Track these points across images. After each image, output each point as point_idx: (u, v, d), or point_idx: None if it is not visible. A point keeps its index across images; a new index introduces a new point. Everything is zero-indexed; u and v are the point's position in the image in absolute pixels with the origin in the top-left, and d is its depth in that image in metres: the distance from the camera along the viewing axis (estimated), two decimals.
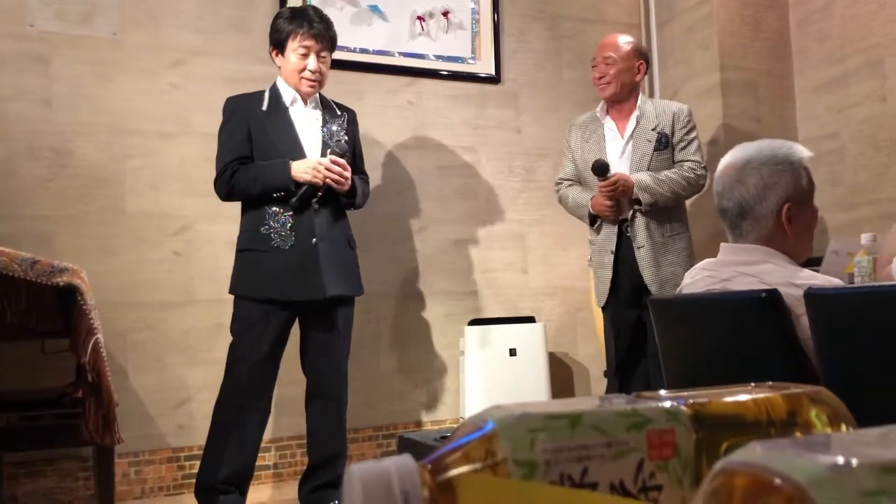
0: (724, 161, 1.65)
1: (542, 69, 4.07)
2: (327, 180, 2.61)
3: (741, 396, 0.42)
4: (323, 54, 2.74)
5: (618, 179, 2.93)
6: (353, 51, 3.67)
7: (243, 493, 2.63)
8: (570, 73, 4.12)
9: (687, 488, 0.38)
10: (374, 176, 3.66)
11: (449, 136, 3.84)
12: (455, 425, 3.54)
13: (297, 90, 2.74)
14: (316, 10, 2.81)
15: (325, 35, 2.73)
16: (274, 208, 2.63)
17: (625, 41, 3.17)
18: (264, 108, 2.70)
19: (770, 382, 0.46)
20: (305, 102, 2.77)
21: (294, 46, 2.69)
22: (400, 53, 3.76)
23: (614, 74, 3.10)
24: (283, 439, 3.37)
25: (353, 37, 3.67)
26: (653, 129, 3.08)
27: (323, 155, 2.68)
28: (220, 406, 2.62)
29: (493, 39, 3.94)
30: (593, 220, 3.12)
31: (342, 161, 2.64)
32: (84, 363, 2.12)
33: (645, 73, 3.19)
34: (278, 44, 2.74)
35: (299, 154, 2.67)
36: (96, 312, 2.25)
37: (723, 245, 1.69)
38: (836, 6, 3.70)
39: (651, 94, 4.26)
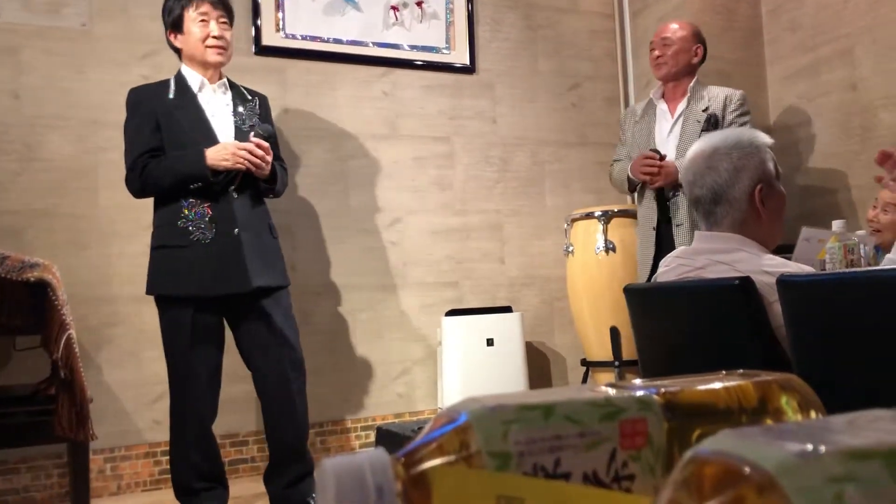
0: (692, 151, 1.69)
1: (517, 59, 4.07)
2: (247, 164, 2.49)
3: (712, 385, 0.43)
4: (223, 20, 2.62)
5: (661, 168, 2.99)
6: (327, 41, 3.64)
7: (224, 485, 2.61)
8: (545, 63, 4.13)
9: (659, 477, 0.39)
10: (349, 167, 3.65)
11: (424, 126, 3.83)
12: (433, 415, 3.55)
13: (205, 61, 2.60)
14: None
15: (221, 4, 2.62)
16: (191, 200, 2.50)
17: (682, 24, 3.25)
18: (171, 95, 2.57)
19: (741, 370, 0.46)
20: (214, 88, 2.65)
21: (192, 17, 2.58)
22: (374, 44, 3.74)
23: (671, 55, 3.17)
24: (261, 432, 3.35)
25: (326, 27, 3.64)
26: (703, 111, 3.11)
27: (238, 139, 2.58)
28: (172, 411, 2.56)
29: (468, 29, 3.93)
30: (633, 186, 3.20)
31: (266, 144, 2.53)
32: (56, 359, 2.09)
33: (703, 58, 3.24)
34: (174, 24, 2.61)
35: (212, 141, 2.54)
36: (68, 308, 2.23)
37: (697, 233, 1.71)
38: None
39: (624, 84, 4.28)
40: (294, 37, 3.58)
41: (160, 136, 2.54)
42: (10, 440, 2.40)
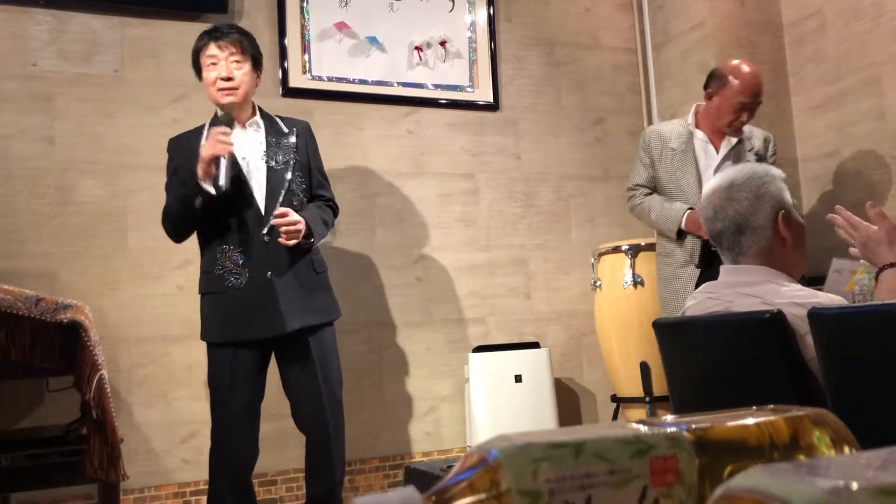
0: (708, 189, 1.70)
1: (540, 95, 4.10)
2: (228, 145, 2.41)
3: (744, 421, 0.42)
4: (235, 59, 2.56)
5: None
6: (353, 82, 3.70)
7: None
8: (568, 99, 4.15)
9: None
10: (375, 204, 3.68)
11: (448, 163, 3.86)
12: (462, 454, 3.51)
13: (218, 104, 2.58)
14: (224, 24, 2.67)
15: (231, 41, 2.57)
16: (224, 247, 2.52)
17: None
18: (204, 140, 2.53)
19: (772, 405, 0.46)
20: (245, 126, 2.61)
21: (204, 63, 2.59)
22: (399, 83, 3.79)
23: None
24: (290, 472, 3.35)
25: (352, 68, 3.70)
26: (749, 151, 3.04)
27: (271, 186, 2.55)
28: (212, 453, 2.57)
29: (491, 67, 3.97)
30: (681, 233, 3.03)
31: (286, 211, 2.49)
32: (88, 400, 2.11)
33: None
34: (197, 71, 2.63)
35: (244, 184, 2.53)
36: (100, 348, 2.25)
37: (722, 267, 1.70)
38: (830, 27, 3.74)
39: (649, 117, 4.29)
40: (320, 78, 3.64)
41: None
42: (42, 481, 2.42)
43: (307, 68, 3.61)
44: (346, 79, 3.69)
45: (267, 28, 3.54)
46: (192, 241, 3.30)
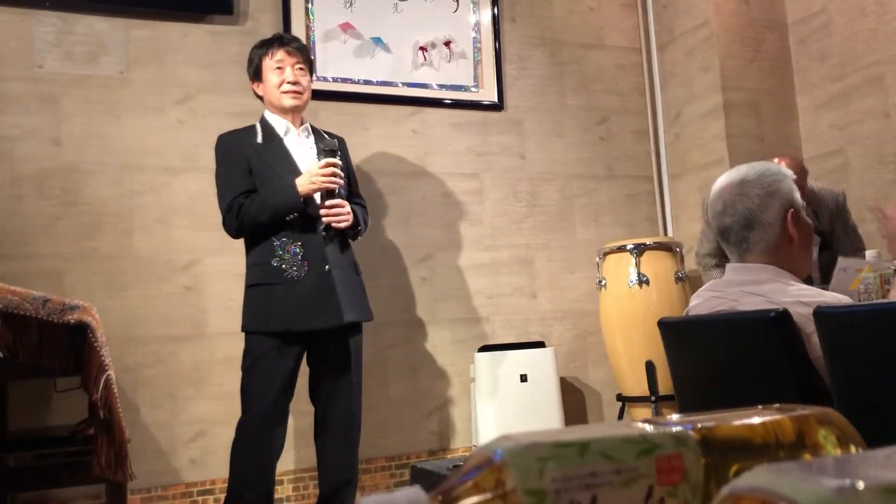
0: (719, 184, 1.69)
1: (544, 95, 4.09)
2: (333, 181, 2.60)
3: (749, 419, 0.42)
4: (300, 66, 2.74)
5: None
6: (357, 82, 3.70)
7: None
8: (572, 98, 4.15)
9: None
10: (380, 204, 3.68)
11: (453, 163, 3.86)
12: (468, 453, 3.52)
13: (282, 107, 2.72)
14: (286, 34, 2.85)
15: (298, 49, 2.75)
16: (283, 239, 2.60)
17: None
18: (259, 140, 2.70)
19: (778, 404, 0.46)
20: (298, 132, 2.76)
21: (269, 65, 2.72)
22: (403, 84, 3.80)
23: None
24: (297, 471, 3.35)
25: (356, 68, 3.71)
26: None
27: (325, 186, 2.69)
28: (238, 445, 2.57)
29: (495, 67, 3.97)
30: None
31: (342, 202, 2.65)
32: (96, 400, 2.12)
33: None
34: (256, 72, 2.76)
35: None
36: (107, 349, 2.26)
37: (729, 265, 1.70)
38: (835, 25, 3.73)
39: (654, 117, 4.28)
40: (325, 79, 3.64)
41: (251, 179, 2.65)
42: (49, 481, 2.43)
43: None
44: (350, 79, 3.69)
45: (272, 29, 3.54)
46: (196, 242, 3.32)
